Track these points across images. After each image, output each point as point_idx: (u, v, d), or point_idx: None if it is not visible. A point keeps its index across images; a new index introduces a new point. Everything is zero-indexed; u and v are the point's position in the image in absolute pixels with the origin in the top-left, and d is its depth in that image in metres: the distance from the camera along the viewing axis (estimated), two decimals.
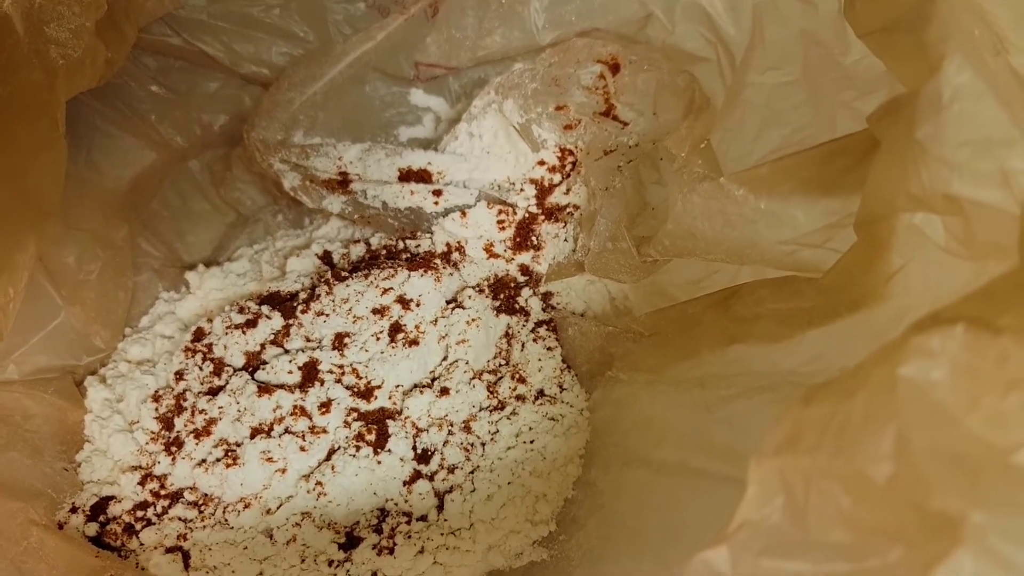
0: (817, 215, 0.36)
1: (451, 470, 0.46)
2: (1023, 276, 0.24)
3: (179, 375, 0.49)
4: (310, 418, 0.46)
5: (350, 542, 0.45)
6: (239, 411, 0.46)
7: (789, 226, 0.37)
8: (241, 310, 0.50)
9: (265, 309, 0.50)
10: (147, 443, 0.48)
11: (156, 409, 0.48)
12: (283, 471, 0.45)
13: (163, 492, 0.46)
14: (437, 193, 0.52)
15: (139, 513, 0.46)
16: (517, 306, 0.51)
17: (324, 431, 0.46)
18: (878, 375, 0.24)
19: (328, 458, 0.46)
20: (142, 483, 0.47)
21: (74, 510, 0.46)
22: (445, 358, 0.49)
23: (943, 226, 0.30)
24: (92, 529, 0.46)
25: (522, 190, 0.51)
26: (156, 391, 0.49)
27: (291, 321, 0.49)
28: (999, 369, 0.22)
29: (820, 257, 0.37)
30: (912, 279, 0.33)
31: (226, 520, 0.45)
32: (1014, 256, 0.26)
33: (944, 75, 0.27)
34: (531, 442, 0.47)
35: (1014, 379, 0.22)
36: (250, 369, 0.48)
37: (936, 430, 0.22)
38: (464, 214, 0.52)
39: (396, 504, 0.45)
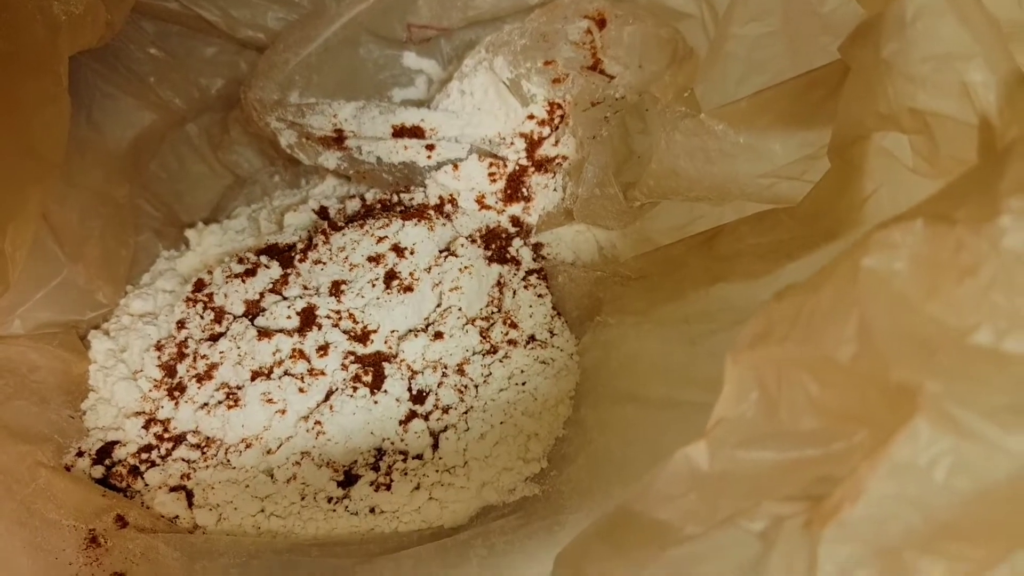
0: (794, 147, 0.38)
1: (445, 410, 0.47)
2: (977, 173, 0.26)
3: (181, 324, 0.50)
4: (309, 361, 0.48)
5: (348, 480, 0.46)
6: (240, 355, 0.48)
7: (767, 159, 0.38)
8: (240, 260, 0.52)
9: (264, 259, 0.51)
10: (150, 390, 0.49)
11: (159, 357, 0.50)
12: (283, 412, 0.47)
13: (167, 435, 0.48)
14: (430, 148, 0.53)
15: (143, 455, 0.47)
16: (508, 256, 0.53)
17: (322, 373, 0.47)
18: (843, 268, 0.25)
19: (326, 399, 0.47)
20: (146, 427, 0.48)
21: (80, 454, 0.48)
22: (439, 304, 0.51)
23: (910, 146, 0.32)
24: (98, 472, 0.47)
25: (512, 144, 0.53)
26: (158, 341, 0.51)
27: (289, 270, 0.51)
28: (955, 257, 0.24)
29: (797, 189, 0.38)
30: (883, 204, 0.35)
31: (228, 460, 0.47)
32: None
33: None
34: (523, 384, 0.49)
35: (968, 266, 0.24)
36: (250, 316, 0.50)
37: (896, 315, 0.24)
38: (456, 167, 0.53)
39: (392, 443, 0.47)
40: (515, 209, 0.54)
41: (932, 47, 0.28)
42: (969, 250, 0.24)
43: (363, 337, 0.49)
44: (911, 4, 0.29)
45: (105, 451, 0.48)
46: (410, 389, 0.48)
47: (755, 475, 0.27)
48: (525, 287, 0.52)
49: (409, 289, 0.50)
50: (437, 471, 0.46)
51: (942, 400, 0.22)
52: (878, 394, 0.24)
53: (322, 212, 0.56)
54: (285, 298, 0.50)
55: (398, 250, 0.51)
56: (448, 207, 0.54)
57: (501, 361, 0.49)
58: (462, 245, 0.51)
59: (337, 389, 0.47)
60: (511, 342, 0.50)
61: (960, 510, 0.22)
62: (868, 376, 0.24)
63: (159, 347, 0.50)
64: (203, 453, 0.47)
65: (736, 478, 0.28)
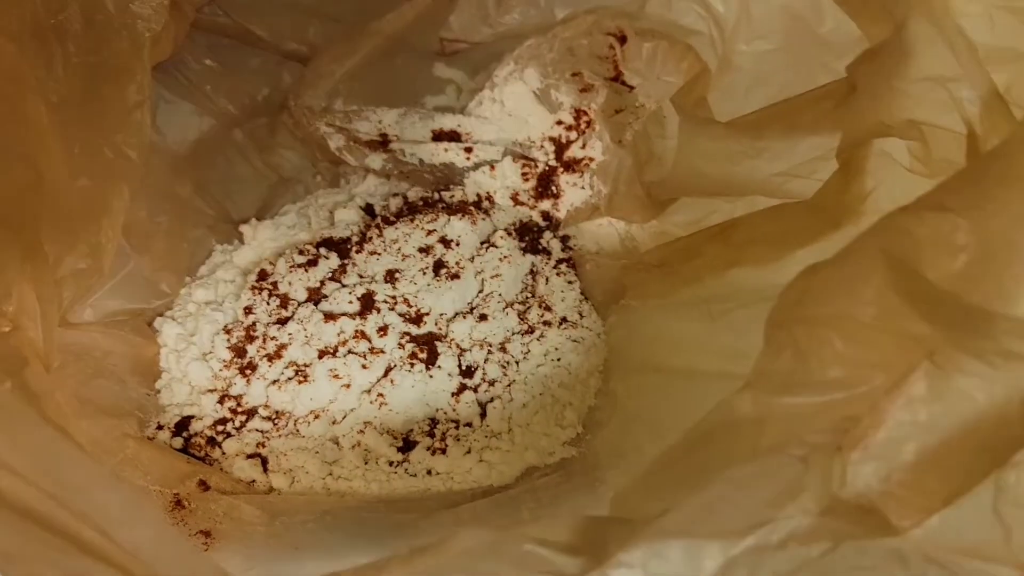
0: (805, 150, 0.44)
1: (491, 383, 0.53)
2: (966, 172, 0.32)
3: (248, 310, 0.56)
4: (369, 341, 0.53)
5: (407, 445, 0.52)
6: (307, 336, 0.53)
7: (783, 160, 0.45)
8: (301, 252, 0.57)
9: (323, 251, 0.57)
10: (221, 369, 0.54)
11: (228, 340, 0.55)
12: (348, 386, 0.52)
13: (240, 409, 0.53)
14: (468, 150, 0.60)
15: (219, 428, 0.53)
16: (540, 247, 0.59)
17: (382, 351, 0.53)
18: (862, 248, 0.32)
19: (386, 374, 0.53)
20: (220, 402, 0.53)
21: (160, 427, 0.53)
22: (481, 290, 0.57)
23: (907, 151, 0.38)
24: (178, 443, 0.52)
25: (542, 147, 0.59)
26: (226, 325, 0.56)
27: (346, 261, 0.57)
28: (951, 237, 0.30)
29: (807, 186, 0.45)
30: (882, 198, 0.41)
31: (298, 430, 0.52)
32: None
33: (908, 28, 0.35)
34: (557, 360, 0.55)
35: (961, 245, 0.30)
36: (313, 302, 0.55)
37: (907, 283, 0.30)
38: (493, 168, 0.59)
39: (445, 413, 0.53)
40: (545, 205, 0.60)
41: (927, 70, 0.35)
42: (962, 231, 0.30)
43: (417, 319, 0.54)
44: (910, 36, 0.35)
45: (183, 424, 0.53)
46: (460, 365, 0.54)
47: (791, 416, 0.33)
48: (556, 274, 0.58)
49: (456, 276, 0.56)
50: (485, 437, 0.52)
51: (945, 347, 0.29)
52: (893, 345, 0.30)
53: (368, 209, 0.62)
54: (344, 285, 0.56)
55: (445, 242, 0.57)
56: (485, 203, 0.60)
57: (538, 340, 0.55)
58: (501, 237, 0.58)
59: (395, 366, 0.53)
60: (546, 323, 0.56)
61: (960, 431, 0.29)
62: (885, 331, 0.30)
63: (227, 331, 0.56)
64: (274, 424, 0.52)
65: (774, 420, 0.34)
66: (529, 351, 0.55)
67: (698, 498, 0.31)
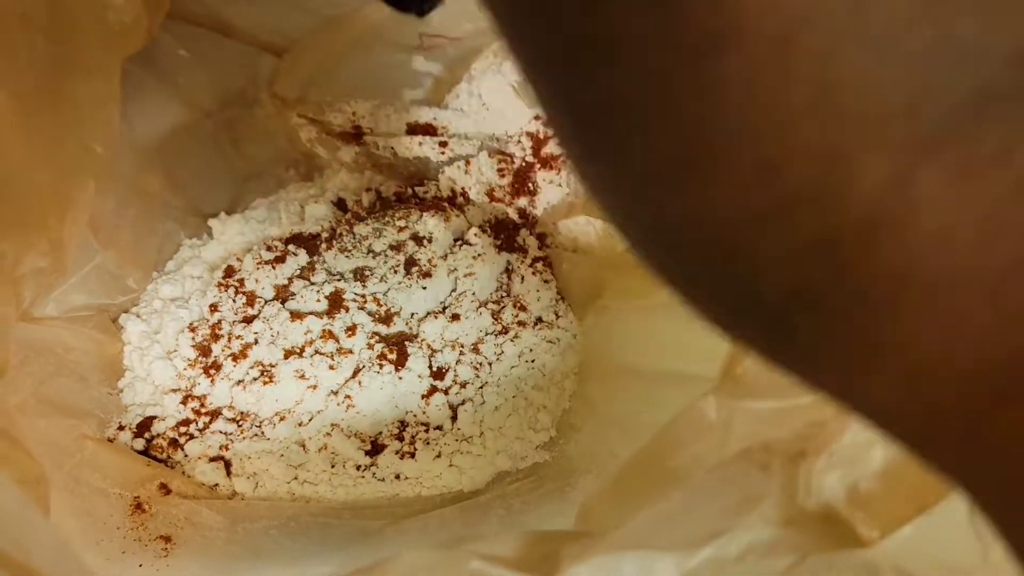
0: None
1: (463, 385, 0.52)
2: None
3: (214, 307, 0.54)
4: (337, 340, 0.52)
5: (375, 449, 0.50)
6: (273, 335, 0.52)
7: None
8: (269, 248, 0.56)
9: (291, 247, 0.56)
10: (185, 368, 0.53)
11: (193, 338, 0.54)
12: (314, 387, 0.51)
13: (204, 410, 0.52)
14: (443, 144, 0.58)
15: (182, 429, 0.51)
16: (516, 244, 0.58)
17: (350, 352, 0.52)
18: None
19: (354, 376, 0.51)
20: (183, 403, 0.52)
21: (121, 428, 0.51)
22: (454, 289, 0.55)
23: None
24: (139, 444, 0.51)
25: (519, 142, 0.58)
26: (191, 323, 0.55)
27: (315, 258, 0.55)
28: None
29: None
30: None
31: (263, 433, 0.50)
32: None
33: None
34: (532, 361, 0.53)
35: None
36: (280, 300, 0.54)
37: None
38: (468, 163, 0.58)
39: (415, 416, 0.51)
40: (522, 202, 0.58)
41: None
42: None
43: (387, 319, 0.53)
44: None
45: (145, 425, 0.52)
46: (431, 366, 0.52)
47: (755, 421, 0.32)
48: (532, 273, 0.56)
49: (428, 275, 0.54)
50: (456, 440, 0.50)
51: None
52: None
53: (340, 204, 0.61)
54: (313, 283, 0.54)
55: (417, 239, 0.55)
56: (460, 199, 0.59)
57: (512, 341, 0.54)
58: (475, 234, 0.56)
59: (364, 367, 0.52)
60: (520, 323, 0.54)
61: None
62: None
63: (192, 329, 0.54)
64: (239, 426, 0.51)
65: (738, 425, 0.32)
66: (503, 352, 0.53)
67: (655, 509, 0.30)
